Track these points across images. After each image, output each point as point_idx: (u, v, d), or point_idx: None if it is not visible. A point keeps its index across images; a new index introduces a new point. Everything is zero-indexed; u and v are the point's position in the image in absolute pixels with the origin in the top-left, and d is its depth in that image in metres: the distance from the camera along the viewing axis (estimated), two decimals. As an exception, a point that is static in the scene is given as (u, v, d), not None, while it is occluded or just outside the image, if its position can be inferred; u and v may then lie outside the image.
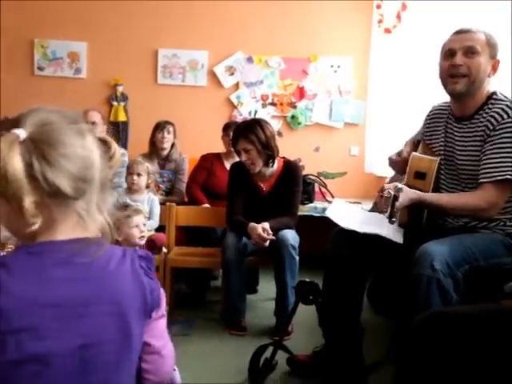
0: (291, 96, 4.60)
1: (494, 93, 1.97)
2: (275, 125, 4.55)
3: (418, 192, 1.97)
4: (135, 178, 3.20)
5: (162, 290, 0.95)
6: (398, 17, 3.76)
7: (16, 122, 0.80)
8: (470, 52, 1.87)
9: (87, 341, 0.79)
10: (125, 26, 4.51)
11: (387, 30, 4.04)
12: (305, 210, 3.86)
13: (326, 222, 3.02)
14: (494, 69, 1.94)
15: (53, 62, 4.54)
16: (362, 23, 4.48)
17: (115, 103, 4.52)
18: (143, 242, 2.66)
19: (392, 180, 2.52)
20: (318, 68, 4.57)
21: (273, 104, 4.62)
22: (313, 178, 4.16)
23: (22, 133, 0.77)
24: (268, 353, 2.26)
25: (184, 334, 2.80)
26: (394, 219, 1.84)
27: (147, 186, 3.29)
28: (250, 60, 4.57)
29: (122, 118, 4.53)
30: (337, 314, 2.20)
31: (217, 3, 4.50)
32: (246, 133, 2.87)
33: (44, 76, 4.54)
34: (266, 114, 4.57)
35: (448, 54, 1.94)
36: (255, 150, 2.84)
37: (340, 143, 4.63)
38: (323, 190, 4.17)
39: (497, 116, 1.88)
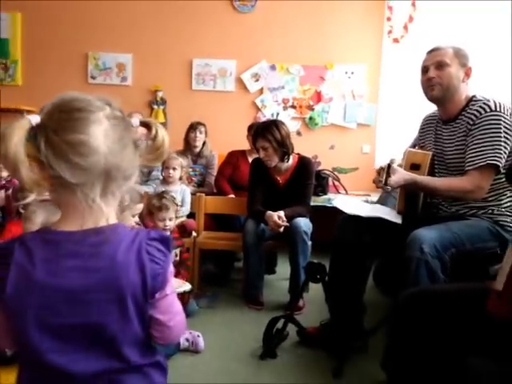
0: (309, 99, 4.54)
1: (474, 96, 1.99)
2: (295, 125, 4.54)
3: (411, 174, 1.98)
4: (170, 171, 3.21)
5: (169, 271, 0.89)
6: (406, 28, 3.67)
7: (41, 109, 0.80)
8: (440, 65, 1.92)
9: (92, 321, 0.80)
10: (164, 40, 4.52)
11: (396, 40, 3.97)
12: (319, 201, 3.83)
13: (338, 212, 3.06)
14: (467, 75, 1.96)
15: (103, 71, 4.60)
16: (374, 34, 4.38)
17: (155, 107, 4.55)
18: (171, 228, 2.62)
19: None
20: (334, 74, 4.50)
21: (293, 107, 4.56)
22: (327, 172, 4.09)
23: (35, 119, 0.77)
24: (280, 325, 2.29)
25: (210, 306, 2.84)
26: (388, 187, 1.88)
27: (180, 178, 3.29)
28: (273, 68, 4.53)
29: (161, 119, 4.53)
30: (341, 291, 2.20)
31: (243, 17, 4.48)
32: (263, 132, 2.84)
33: (96, 84, 4.59)
34: (286, 115, 4.53)
35: (424, 70, 1.99)
36: (271, 148, 2.80)
37: (353, 142, 4.54)
38: (336, 183, 4.11)
39: (476, 113, 1.89)
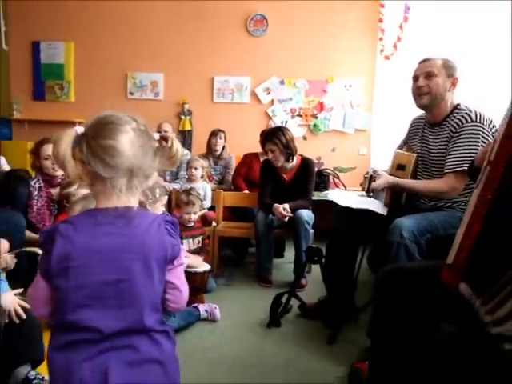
0: (313, 109, 4.50)
1: (458, 104, 1.93)
2: (301, 131, 4.53)
3: (394, 177, 1.97)
4: (193, 171, 3.26)
5: (181, 246, 0.97)
6: (395, 46, 3.60)
7: (86, 123, 0.91)
8: (429, 75, 1.86)
9: (121, 277, 0.85)
10: (189, 61, 4.55)
11: (387, 57, 3.90)
12: (321, 195, 3.78)
13: (337, 205, 3.08)
14: (454, 84, 1.89)
15: (139, 88, 4.64)
16: (368, 52, 4.33)
17: (183, 117, 4.58)
18: (194, 220, 2.66)
19: None
20: (334, 87, 4.45)
21: (299, 115, 4.53)
22: (328, 171, 4.05)
23: (80, 129, 0.88)
24: (284, 300, 2.31)
25: (227, 284, 2.86)
26: (370, 193, 1.92)
27: (201, 177, 3.33)
28: (282, 82, 4.51)
29: (187, 127, 4.59)
30: (335, 271, 2.23)
31: (257, 40, 4.48)
32: (271, 137, 2.85)
33: (133, 99, 4.66)
34: (294, 123, 4.51)
35: (414, 78, 1.93)
36: (278, 150, 2.81)
37: (351, 145, 4.49)
38: (336, 180, 4.06)
39: (459, 122, 1.84)
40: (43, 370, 1.55)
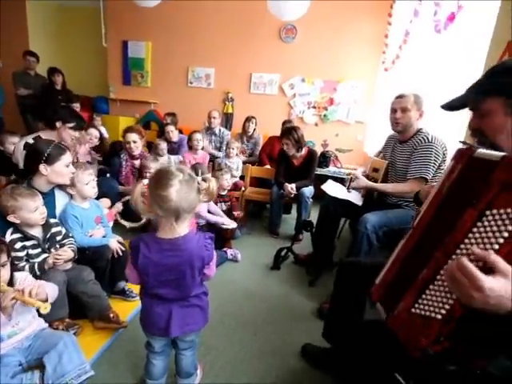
0: (325, 103, 4.27)
1: (421, 129, 1.84)
2: (314, 120, 4.37)
3: (368, 182, 1.93)
4: (231, 150, 3.26)
5: (214, 255, 1.03)
6: (393, 62, 3.25)
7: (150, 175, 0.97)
8: (403, 110, 1.80)
9: (178, 276, 0.97)
10: (234, 59, 4.36)
11: (386, 69, 3.54)
12: (323, 171, 3.75)
13: (331, 178, 2.97)
14: (421, 115, 1.82)
15: (197, 79, 4.54)
16: (373, 61, 3.98)
17: (227, 103, 4.49)
18: (228, 188, 2.69)
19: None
20: (343, 87, 4.17)
21: (314, 107, 4.33)
22: (330, 152, 3.96)
23: (145, 181, 0.96)
24: (284, 252, 2.35)
25: (248, 233, 2.89)
26: (349, 190, 1.93)
27: (236, 154, 3.34)
28: (303, 80, 4.27)
29: (230, 111, 4.51)
30: (320, 237, 2.22)
31: (287, 45, 4.20)
32: (286, 134, 2.77)
33: (192, 87, 4.58)
34: (309, 113, 4.33)
35: (392, 110, 1.85)
36: (291, 144, 2.76)
37: (351, 132, 4.31)
38: (335, 160, 3.98)
39: (418, 141, 1.80)
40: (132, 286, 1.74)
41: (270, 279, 2.14)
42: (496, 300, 0.52)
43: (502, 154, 0.66)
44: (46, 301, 1.08)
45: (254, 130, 3.84)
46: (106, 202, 2.06)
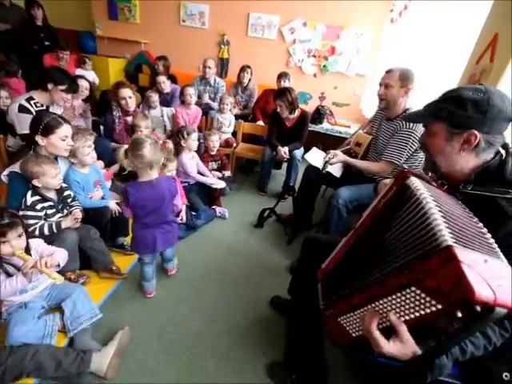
0: (326, 52, 4.03)
1: (408, 109, 1.81)
2: (313, 70, 4.18)
3: (346, 157, 1.98)
4: (224, 106, 3.22)
5: (178, 190, 1.61)
6: (400, 14, 3.01)
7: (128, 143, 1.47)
8: (386, 86, 1.78)
9: (158, 206, 1.47)
10: (231, -4, 3.92)
11: (392, 20, 3.28)
12: (317, 128, 3.76)
13: (324, 135, 3.21)
14: (406, 92, 1.76)
15: (190, 16, 4.18)
16: (381, 8, 3.63)
17: (223, 46, 4.22)
18: (215, 148, 2.74)
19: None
20: (347, 35, 3.88)
21: (314, 56, 4.09)
22: (326, 108, 3.90)
23: (125, 146, 1.44)
24: (267, 213, 2.48)
25: (237, 189, 2.96)
26: (324, 171, 1.95)
27: (230, 110, 3.30)
28: (304, 24, 3.95)
29: (225, 55, 4.27)
30: (301, 200, 2.32)
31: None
32: (280, 96, 2.71)
33: (185, 26, 4.24)
34: (309, 62, 4.12)
35: (379, 85, 1.82)
36: (284, 106, 2.72)
37: (350, 86, 4.16)
38: (329, 116, 3.95)
39: (400, 124, 1.78)
40: (128, 239, 1.98)
41: (253, 237, 2.29)
42: (391, 356, 0.66)
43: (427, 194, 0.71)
44: (58, 266, 1.32)
45: (250, 80, 3.70)
46: (99, 164, 2.19)
